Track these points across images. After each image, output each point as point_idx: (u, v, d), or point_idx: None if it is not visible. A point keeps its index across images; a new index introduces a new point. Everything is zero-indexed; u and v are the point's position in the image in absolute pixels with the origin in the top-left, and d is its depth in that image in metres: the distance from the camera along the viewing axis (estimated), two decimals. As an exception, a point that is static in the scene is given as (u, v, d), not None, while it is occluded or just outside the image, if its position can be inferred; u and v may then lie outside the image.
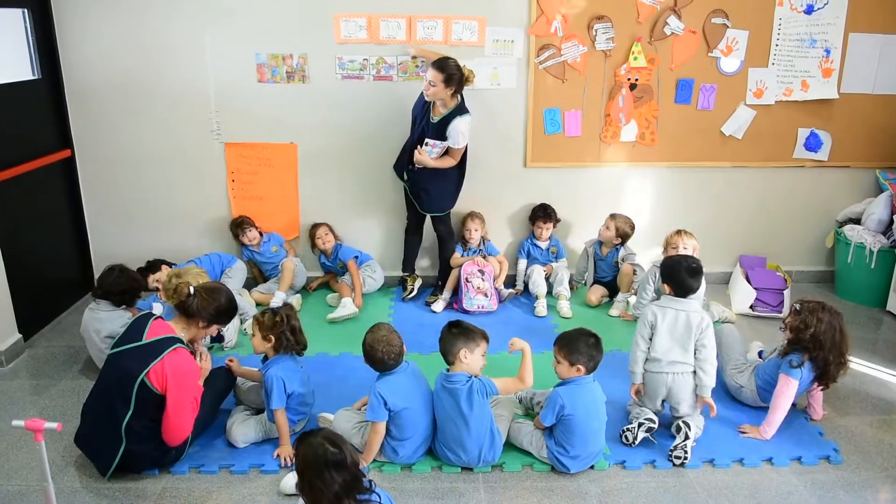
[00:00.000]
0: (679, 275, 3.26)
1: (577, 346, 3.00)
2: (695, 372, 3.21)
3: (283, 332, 3.15)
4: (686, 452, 3.08)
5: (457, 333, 3.00)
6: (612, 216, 4.67)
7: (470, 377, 2.96)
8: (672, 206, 4.94)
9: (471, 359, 2.97)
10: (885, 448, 3.21)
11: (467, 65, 4.36)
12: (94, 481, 2.95)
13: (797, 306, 3.29)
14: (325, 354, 3.97)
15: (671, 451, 3.10)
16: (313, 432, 2.28)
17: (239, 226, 4.72)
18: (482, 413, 2.96)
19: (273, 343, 3.16)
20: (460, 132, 4.15)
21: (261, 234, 4.77)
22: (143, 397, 2.83)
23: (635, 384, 3.27)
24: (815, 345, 3.18)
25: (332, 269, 4.86)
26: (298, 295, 4.71)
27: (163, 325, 2.96)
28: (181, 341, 2.94)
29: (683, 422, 3.13)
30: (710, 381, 3.20)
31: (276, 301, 4.40)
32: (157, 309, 3.90)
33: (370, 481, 2.30)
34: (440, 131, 4.18)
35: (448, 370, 3.03)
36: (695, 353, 3.21)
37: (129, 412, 2.83)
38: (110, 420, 2.85)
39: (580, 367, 3.00)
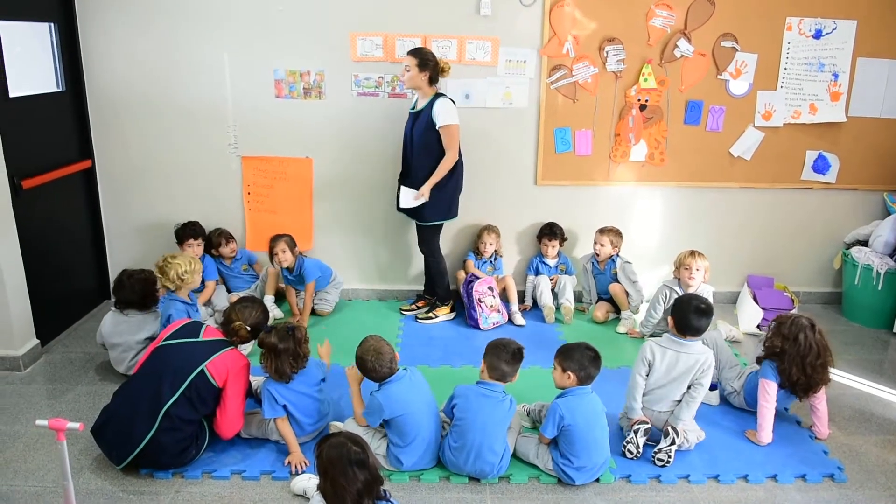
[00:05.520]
0: (687, 314, 3.29)
1: (573, 354, 3.11)
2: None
3: (264, 353, 3.17)
4: (669, 456, 3.16)
5: (520, 359, 3.13)
6: (601, 231, 4.73)
7: (505, 391, 3.10)
8: (680, 226, 5.00)
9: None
10: (890, 468, 3.23)
11: (480, 83, 4.48)
12: (110, 484, 3.02)
13: (773, 323, 3.42)
14: (336, 365, 4.02)
15: (655, 453, 3.19)
16: (334, 434, 2.35)
17: (221, 235, 4.78)
18: (506, 426, 3.10)
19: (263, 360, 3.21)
20: (440, 112, 4.18)
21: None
22: (196, 386, 3.01)
23: (633, 419, 3.28)
24: (781, 359, 3.33)
25: (293, 283, 4.72)
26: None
27: (214, 330, 3.28)
28: (233, 344, 3.25)
29: (672, 427, 3.20)
30: (687, 416, 3.28)
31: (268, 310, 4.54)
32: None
33: (386, 490, 2.36)
34: (422, 120, 4.23)
35: (480, 381, 3.13)
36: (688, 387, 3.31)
37: (174, 398, 2.97)
38: (150, 404, 2.97)
39: (570, 374, 3.08)
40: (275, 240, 4.55)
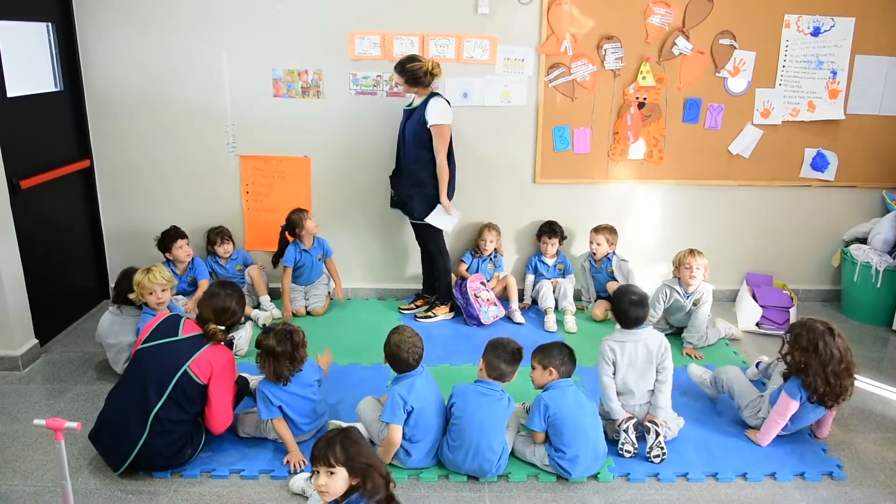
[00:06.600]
0: (623, 307, 3.31)
1: (551, 351, 3.15)
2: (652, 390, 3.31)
3: (261, 355, 3.14)
4: (662, 449, 3.17)
5: (519, 359, 3.15)
6: (596, 230, 4.72)
7: (504, 390, 3.12)
8: (679, 224, 4.99)
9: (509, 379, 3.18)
10: (889, 465, 3.23)
11: (478, 82, 4.47)
12: (108, 483, 3.02)
13: (787, 336, 3.29)
14: (334, 364, 4.02)
15: (648, 451, 3.18)
16: (336, 430, 2.38)
17: (220, 234, 4.76)
18: (504, 424, 3.11)
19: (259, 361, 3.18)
20: (433, 110, 4.18)
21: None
22: (181, 386, 2.97)
23: (619, 419, 3.24)
24: (806, 373, 3.19)
25: (303, 264, 4.72)
26: None
27: (193, 325, 3.16)
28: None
29: (650, 422, 3.21)
30: (664, 402, 3.28)
31: (266, 310, 4.61)
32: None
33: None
34: (416, 117, 4.24)
35: (479, 380, 3.15)
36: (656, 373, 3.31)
37: (161, 401, 2.94)
38: (138, 410, 2.95)
39: (552, 369, 3.12)
40: (301, 211, 4.61)
